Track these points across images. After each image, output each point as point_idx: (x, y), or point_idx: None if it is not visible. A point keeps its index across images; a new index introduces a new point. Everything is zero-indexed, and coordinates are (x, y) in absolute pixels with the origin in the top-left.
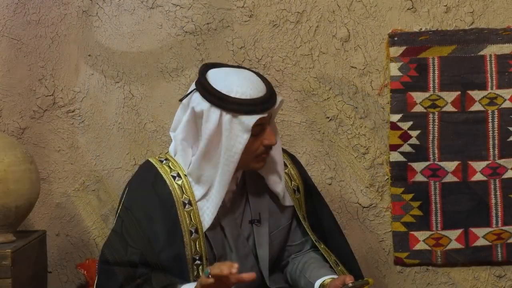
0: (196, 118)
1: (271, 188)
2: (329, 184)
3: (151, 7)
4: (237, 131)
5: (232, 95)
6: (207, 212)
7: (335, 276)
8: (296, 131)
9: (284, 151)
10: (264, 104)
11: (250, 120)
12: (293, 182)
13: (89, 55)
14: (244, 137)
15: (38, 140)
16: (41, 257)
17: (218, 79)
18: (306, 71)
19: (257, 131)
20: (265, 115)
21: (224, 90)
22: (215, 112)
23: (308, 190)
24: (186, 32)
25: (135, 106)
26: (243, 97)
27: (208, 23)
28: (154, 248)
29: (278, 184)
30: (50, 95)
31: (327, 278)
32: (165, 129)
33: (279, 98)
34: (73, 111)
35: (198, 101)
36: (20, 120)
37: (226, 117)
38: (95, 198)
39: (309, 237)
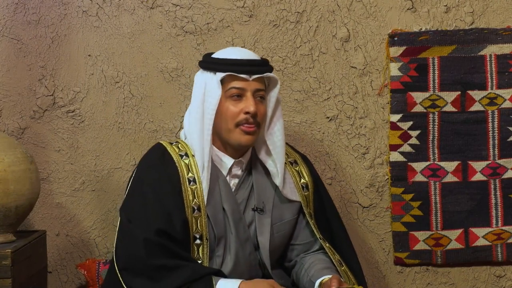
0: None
1: (273, 179)
2: (329, 184)
3: (151, 7)
4: (212, 88)
5: (217, 56)
6: (203, 182)
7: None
8: (296, 131)
9: (296, 151)
10: (242, 66)
11: (221, 75)
12: (302, 179)
13: (89, 55)
14: (218, 93)
15: (38, 140)
16: (41, 257)
17: (218, 52)
18: (306, 71)
19: (236, 93)
20: (240, 75)
21: (214, 56)
22: (202, 75)
23: (317, 189)
24: (186, 32)
25: (135, 106)
26: (225, 57)
27: (208, 23)
28: (166, 220)
29: (276, 178)
30: (50, 95)
31: (326, 278)
32: (165, 129)
33: (269, 74)
34: (73, 111)
35: (197, 74)
36: (20, 120)
37: (208, 75)
38: (95, 198)
39: (316, 238)
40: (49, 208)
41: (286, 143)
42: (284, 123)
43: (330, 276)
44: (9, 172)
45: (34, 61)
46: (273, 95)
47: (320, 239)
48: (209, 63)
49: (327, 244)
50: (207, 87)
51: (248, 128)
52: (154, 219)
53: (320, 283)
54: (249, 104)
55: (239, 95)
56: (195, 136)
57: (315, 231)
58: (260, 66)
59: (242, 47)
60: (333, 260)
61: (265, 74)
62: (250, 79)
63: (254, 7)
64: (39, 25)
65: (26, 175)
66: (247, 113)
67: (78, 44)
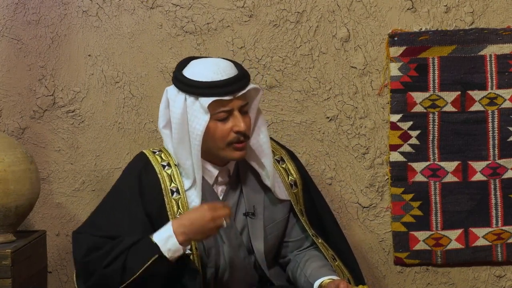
0: (169, 106)
1: (264, 181)
2: (329, 184)
3: (151, 7)
4: (198, 113)
5: (194, 78)
6: (195, 200)
7: (334, 277)
8: (296, 131)
9: (282, 147)
10: (224, 87)
11: (207, 101)
12: (289, 177)
13: (89, 55)
14: (204, 119)
15: (38, 140)
16: (41, 257)
17: (190, 67)
18: (306, 71)
19: (224, 116)
20: (225, 97)
21: (189, 75)
22: (180, 97)
23: (306, 185)
24: (186, 32)
25: (135, 106)
26: (203, 79)
27: (208, 23)
28: (135, 230)
29: (267, 179)
30: (50, 95)
31: (325, 279)
32: None
33: (251, 86)
34: (73, 111)
35: (170, 89)
36: (20, 120)
37: (189, 100)
38: (95, 198)
39: (308, 234)
40: (49, 208)
41: (271, 138)
42: (270, 121)
43: (329, 277)
44: (9, 172)
45: (34, 61)
46: (255, 103)
47: (313, 235)
48: (190, 87)
49: (320, 240)
50: (189, 111)
51: (240, 145)
52: (112, 228)
53: (320, 285)
54: (238, 123)
55: (227, 116)
56: (184, 160)
57: (306, 228)
58: (241, 81)
59: (242, 47)
60: (327, 256)
61: (247, 88)
62: (235, 97)
63: (254, 7)
64: (39, 25)
65: (26, 175)
66: (237, 132)
67: (78, 44)
